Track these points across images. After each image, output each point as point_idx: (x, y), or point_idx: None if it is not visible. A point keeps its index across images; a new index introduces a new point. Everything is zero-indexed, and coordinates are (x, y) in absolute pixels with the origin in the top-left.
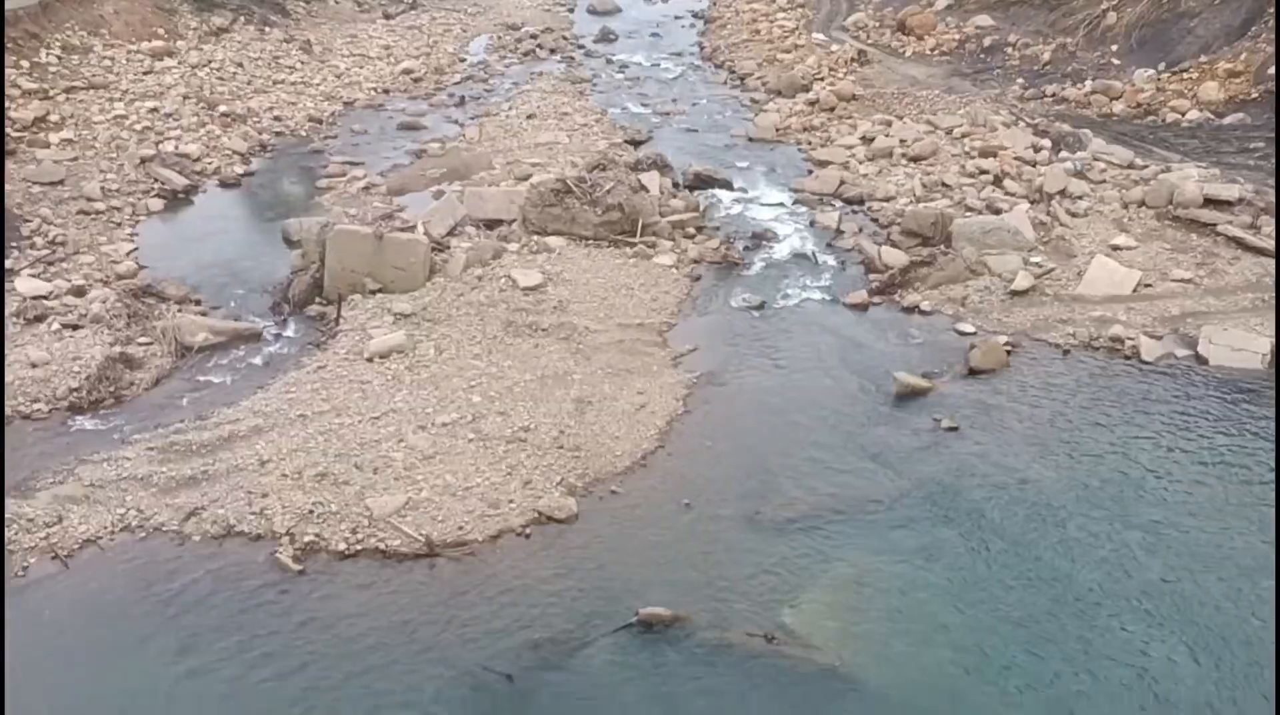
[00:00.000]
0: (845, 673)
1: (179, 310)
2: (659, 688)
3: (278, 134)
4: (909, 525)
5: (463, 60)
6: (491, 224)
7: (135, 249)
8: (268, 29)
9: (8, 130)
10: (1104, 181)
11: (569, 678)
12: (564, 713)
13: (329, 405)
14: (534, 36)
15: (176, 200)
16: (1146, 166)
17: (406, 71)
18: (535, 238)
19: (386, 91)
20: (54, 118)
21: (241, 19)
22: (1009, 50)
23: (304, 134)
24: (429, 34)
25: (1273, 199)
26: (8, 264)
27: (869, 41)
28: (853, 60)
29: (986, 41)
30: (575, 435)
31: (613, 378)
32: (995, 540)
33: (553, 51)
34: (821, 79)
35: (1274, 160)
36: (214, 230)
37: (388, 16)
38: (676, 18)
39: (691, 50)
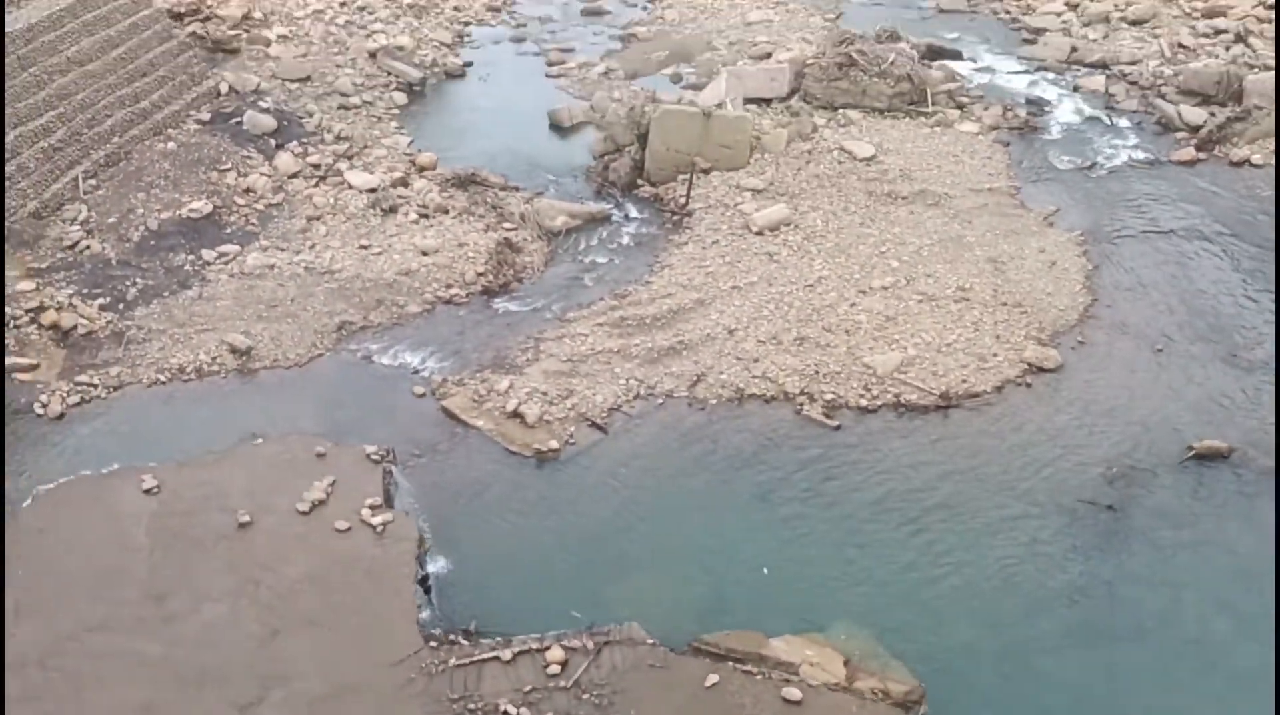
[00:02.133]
0: None
1: (529, 198)
2: (1227, 510)
3: (465, 24)
4: None
5: None
6: (757, 101)
7: (412, 140)
8: None
9: (224, 29)
10: None
11: (1150, 504)
12: (1158, 536)
13: (754, 276)
14: None
15: (414, 92)
16: None
17: None
18: (821, 111)
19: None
20: (256, 14)
21: None
22: None
23: (492, 22)
24: None
25: None
26: (311, 159)
27: None
28: None
29: None
30: (1009, 293)
31: (1005, 238)
32: None
33: None
34: None
35: None
36: (472, 119)
37: None
38: None
39: None
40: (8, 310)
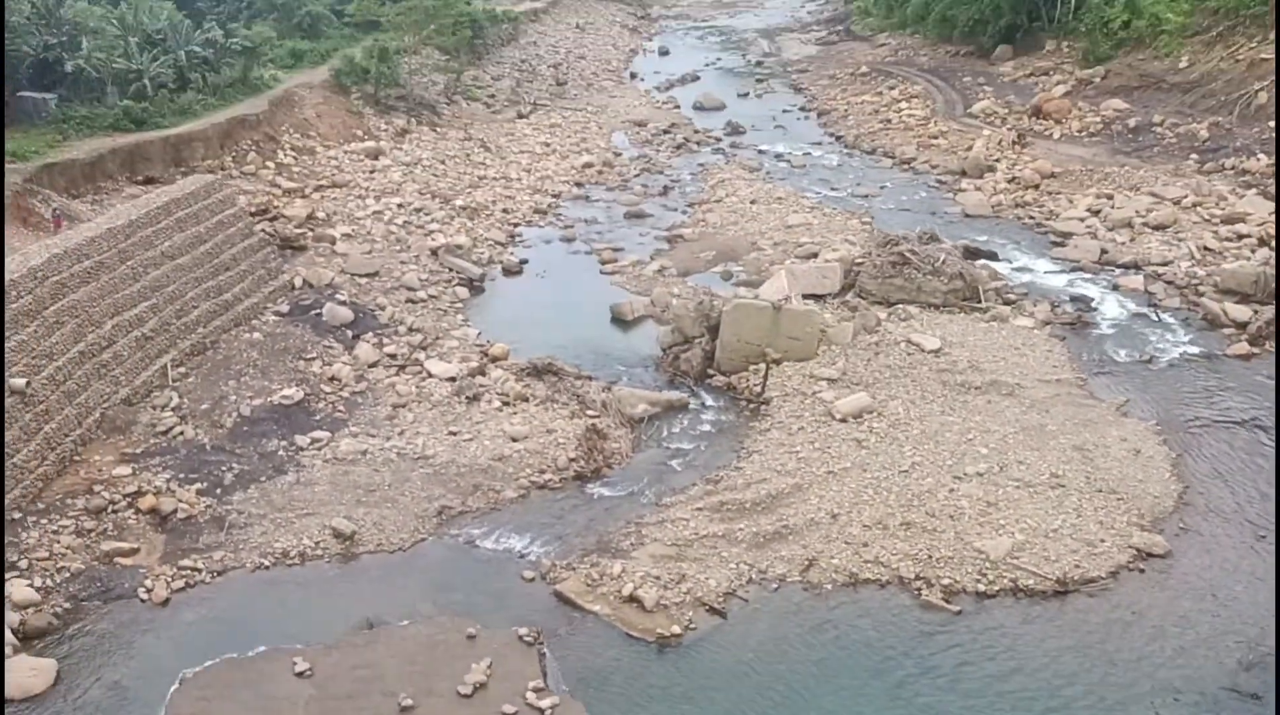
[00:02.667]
0: None
1: (606, 386)
2: None
3: (515, 225)
4: None
5: (618, 154)
6: (811, 297)
7: (480, 332)
8: (439, 129)
9: (290, 228)
10: None
11: None
12: None
13: (846, 462)
14: (666, 132)
15: (475, 287)
16: None
17: (587, 165)
18: (878, 306)
19: (579, 184)
20: (320, 214)
21: (413, 119)
22: (1158, 130)
23: (540, 223)
24: (572, 132)
25: None
26: (388, 349)
27: (1005, 127)
28: (1015, 143)
29: (1131, 123)
30: (1102, 479)
31: (1084, 427)
32: None
33: (699, 144)
34: (999, 161)
35: None
36: (535, 312)
37: (521, 116)
38: (784, 111)
39: (826, 140)
40: (106, 495)
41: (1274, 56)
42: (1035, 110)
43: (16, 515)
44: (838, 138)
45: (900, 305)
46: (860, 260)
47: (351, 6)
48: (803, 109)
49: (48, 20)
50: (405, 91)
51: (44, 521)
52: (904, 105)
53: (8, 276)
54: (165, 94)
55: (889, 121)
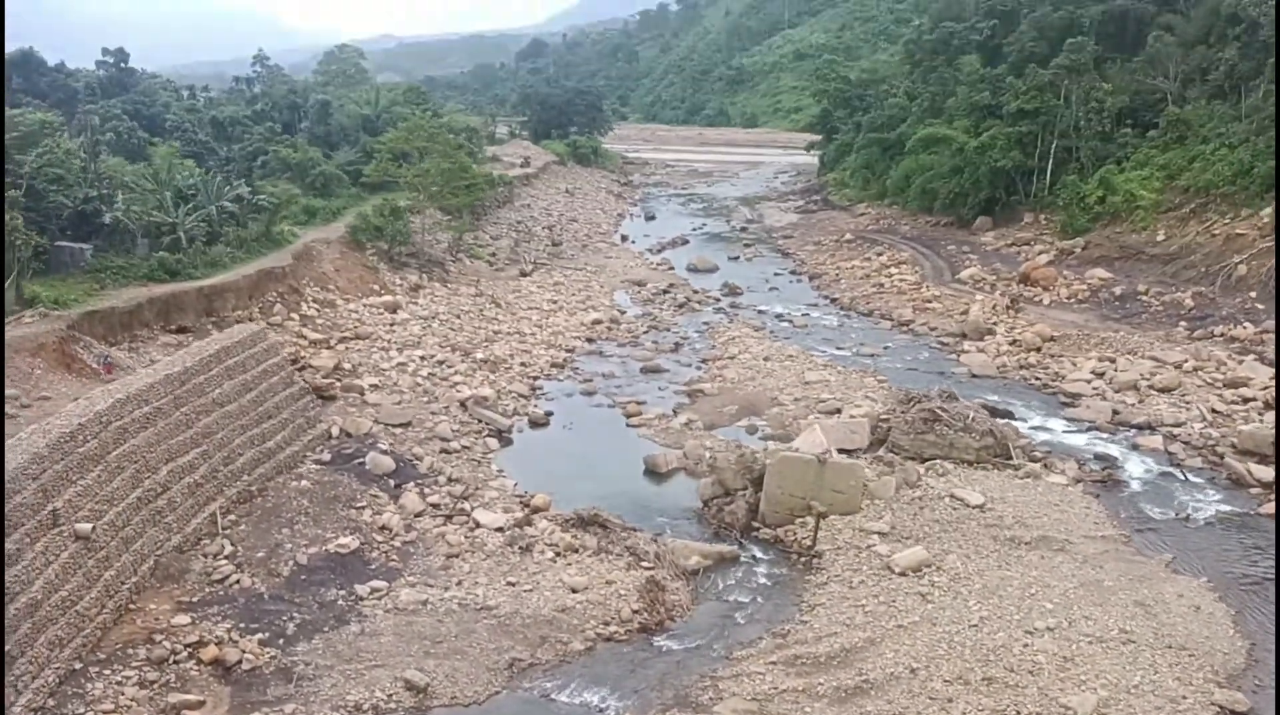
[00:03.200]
0: None
1: (652, 537)
2: None
3: (534, 378)
4: None
5: (623, 312)
6: (841, 451)
7: (517, 483)
8: (449, 285)
9: (319, 378)
10: None
11: None
12: None
13: (914, 616)
14: (666, 292)
15: (504, 438)
16: None
17: (596, 322)
18: (910, 461)
19: (590, 340)
20: (345, 365)
21: (424, 276)
22: (1143, 298)
23: (559, 377)
24: (575, 290)
25: None
26: (431, 498)
27: (996, 292)
28: (1009, 308)
29: (1117, 291)
30: (1170, 635)
31: (1140, 583)
32: None
33: (700, 304)
34: (996, 324)
35: None
36: (568, 464)
37: (524, 274)
38: (776, 274)
39: (821, 302)
40: (167, 645)
41: (1247, 232)
42: (1023, 277)
43: (78, 665)
44: (833, 300)
45: (934, 461)
46: (885, 417)
47: (369, 168)
48: (793, 273)
49: (87, 174)
50: (415, 249)
51: (107, 672)
52: (894, 270)
53: (70, 422)
54: (199, 246)
55: (881, 285)
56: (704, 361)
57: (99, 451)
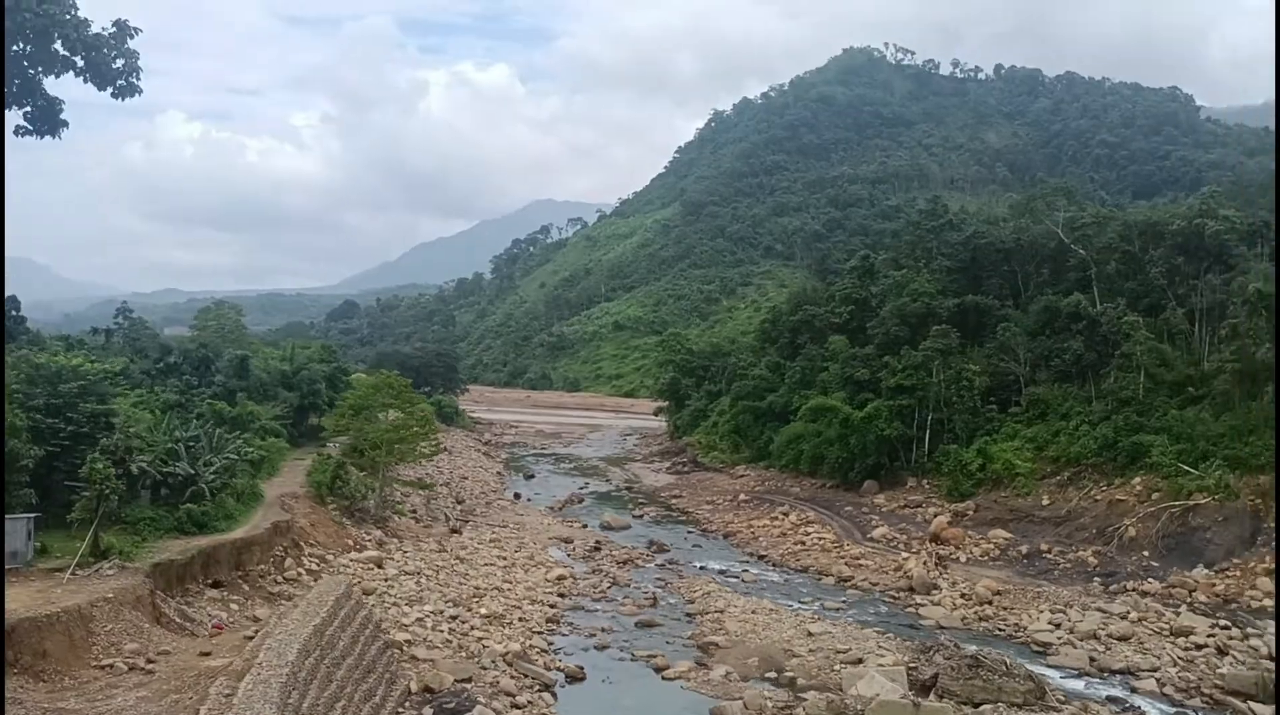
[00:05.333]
0: None
1: None
2: None
3: (539, 633)
4: None
5: (571, 569)
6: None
7: None
8: (405, 541)
9: None
10: None
11: None
12: None
13: None
14: (597, 548)
15: (550, 690)
16: None
17: (560, 578)
18: (965, 706)
19: (563, 595)
20: None
21: (380, 532)
22: (1049, 556)
23: (560, 632)
24: (514, 547)
25: None
26: None
27: (914, 551)
28: (937, 565)
29: (1023, 549)
30: None
31: None
32: None
33: (642, 561)
34: (939, 580)
35: None
36: None
37: (455, 531)
38: (689, 532)
39: (749, 559)
40: None
41: (1127, 498)
42: (933, 537)
43: None
44: (760, 557)
45: (984, 704)
46: (912, 665)
47: (327, 420)
48: (704, 531)
49: (112, 426)
50: (363, 505)
51: None
52: (809, 530)
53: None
54: (221, 498)
55: (802, 543)
56: (690, 615)
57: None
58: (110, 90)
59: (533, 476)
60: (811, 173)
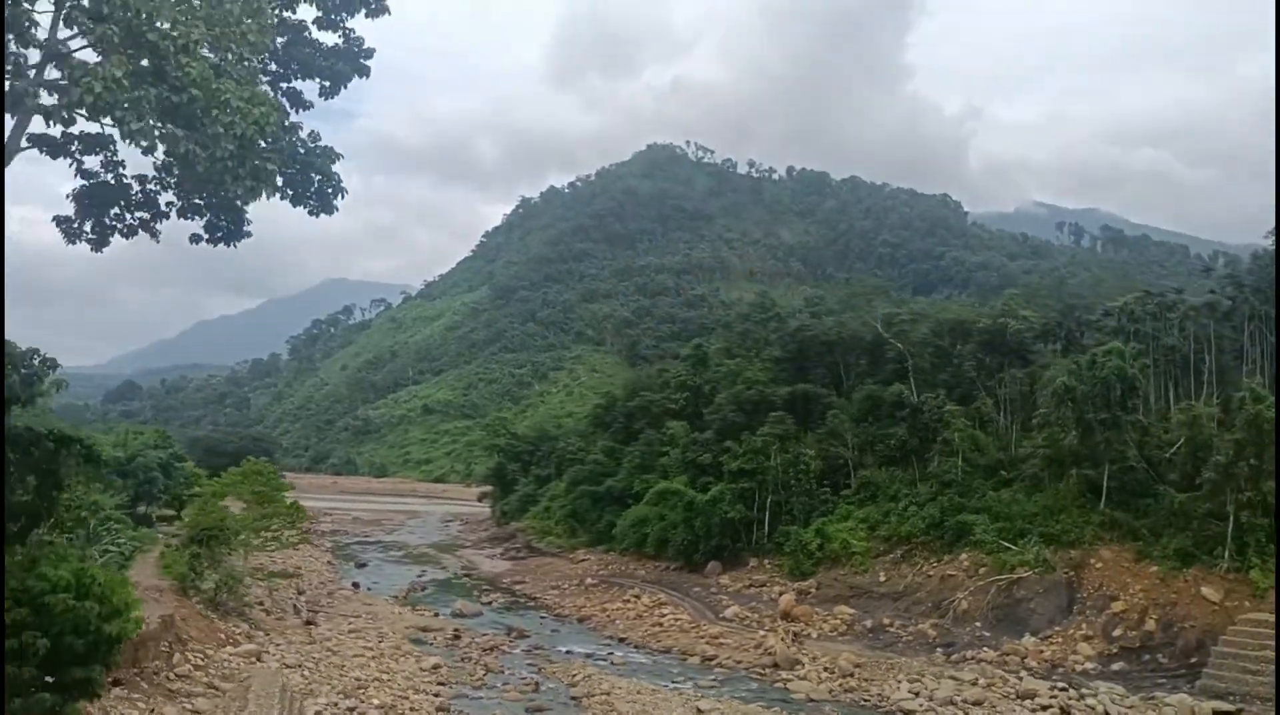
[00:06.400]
0: None
1: None
2: None
3: None
4: None
5: (434, 658)
6: None
7: None
8: (270, 633)
9: None
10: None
11: None
12: None
13: None
14: (456, 637)
15: None
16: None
17: (435, 667)
18: None
19: (443, 683)
20: None
21: (246, 626)
22: (891, 630)
23: None
24: (374, 636)
25: None
26: None
27: (776, 628)
28: (794, 640)
29: (868, 624)
30: None
31: None
32: None
33: (507, 648)
34: (800, 655)
35: None
36: None
37: (309, 623)
38: (543, 618)
39: (610, 642)
40: None
41: (956, 573)
42: (784, 614)
43: None
44: (621, 639)
45: None
46: None
47: (186, 511)
48: (557, 616)
49: None
50: (220, 597)
51: None
52: (664, 611)
53: None
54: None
55: (660, 625)
56: (576, 698)
57: None
58: (307, 208)
59: (365, 565)
60: (619, 261)
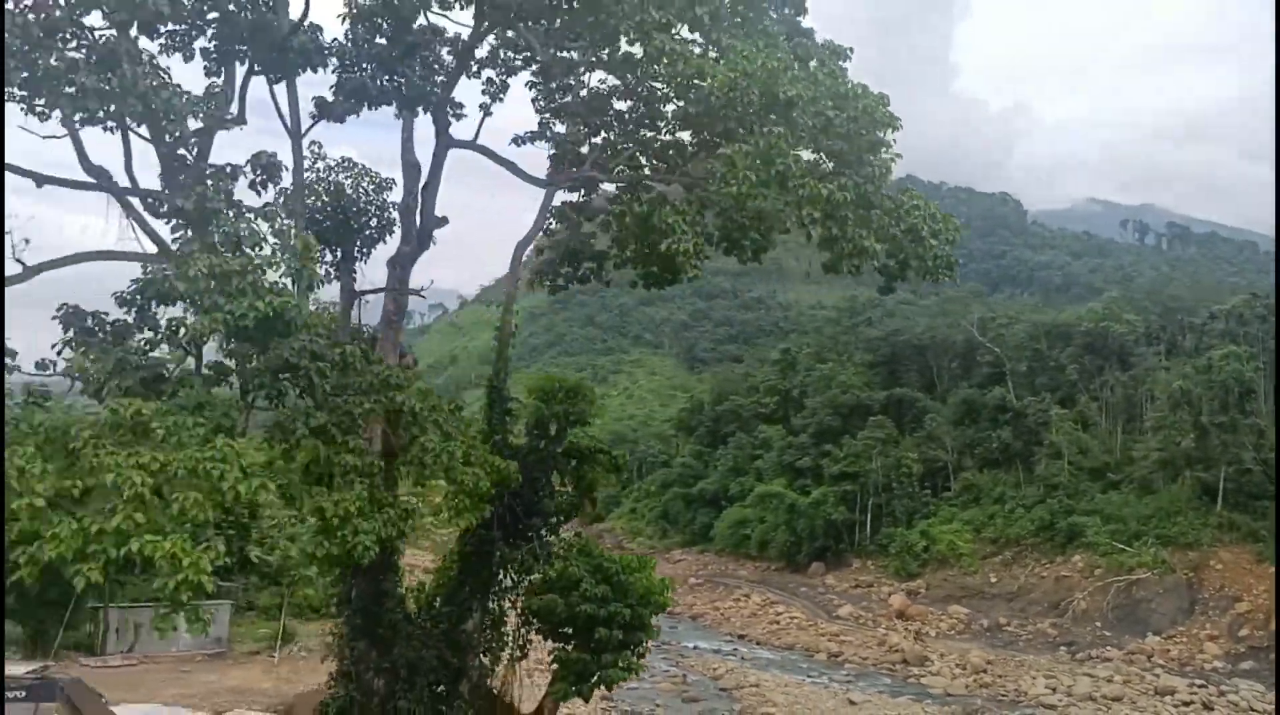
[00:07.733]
0: None
1: None
2: None
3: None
4: None
5: None
6: None
7: None
8: None
9: None
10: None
11: None
12: None
13: None
14: None
15: None
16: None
17: None
18: None
19: None
20: None
21: None
22: (1009, 629)
23: (620, 707)
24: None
25: None
26: None
27: (877, 624)
28: (916, 639)
29: (985, 623)
30: None
31: None
32: None
33: None
34: (929, 652)
35: None
36: None
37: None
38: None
39: (732, 638)
40: None
41: (1071, 574)
42: (898, 613)
43: None
44: (741, 636)
45: None
46: None
47: None
48: (670, 614)
49: None
50: None
51: None
52: (778, 610)
53: None
54: None
55: (777, 623)
56: (725, 690)
57: None
58: None
59: None
60: None
